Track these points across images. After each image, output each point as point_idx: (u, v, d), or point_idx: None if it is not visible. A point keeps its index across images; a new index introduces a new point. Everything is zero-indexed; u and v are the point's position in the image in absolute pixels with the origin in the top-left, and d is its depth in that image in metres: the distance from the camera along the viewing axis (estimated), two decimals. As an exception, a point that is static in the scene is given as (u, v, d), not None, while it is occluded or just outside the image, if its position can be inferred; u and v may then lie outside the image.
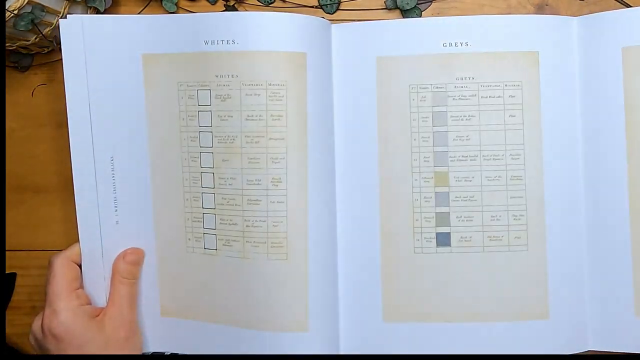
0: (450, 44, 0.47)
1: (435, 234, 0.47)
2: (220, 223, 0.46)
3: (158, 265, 0.48)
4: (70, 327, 0.42)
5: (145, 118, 0.47)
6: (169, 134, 0.47)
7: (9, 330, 0.50)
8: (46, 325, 0.43)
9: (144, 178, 0.47)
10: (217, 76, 0.45)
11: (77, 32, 0.46)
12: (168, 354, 0.48)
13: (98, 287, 0.47)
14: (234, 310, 0.46)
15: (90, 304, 0.46)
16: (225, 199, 0.46)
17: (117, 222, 0.47)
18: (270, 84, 0.45)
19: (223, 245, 0.46)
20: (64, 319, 0.43)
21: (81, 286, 0.46)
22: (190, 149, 0.47)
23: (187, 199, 0.47)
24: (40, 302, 0.47)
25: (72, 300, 0.44)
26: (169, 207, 0.47)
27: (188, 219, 0.47)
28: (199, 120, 0.46)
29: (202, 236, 0.47)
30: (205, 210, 0.47)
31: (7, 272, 0.50)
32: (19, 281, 0.51)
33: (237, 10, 0.51)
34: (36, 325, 0.44)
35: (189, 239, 0.47)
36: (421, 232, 0.47)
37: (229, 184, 0.46)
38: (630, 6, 0.50)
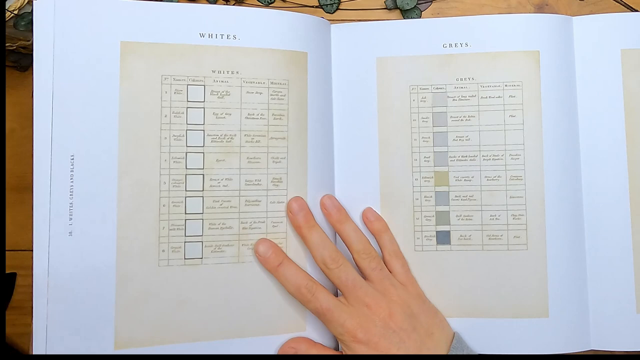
0: (450, 45, 0.47)
1: (435, 232, 0.47)
2: (210, 228, 0.44)
3: (116, 286, 0.42)
4: None
5: (116, 113, 0.43)
6: (145, 132, 0.43)
7: (9, 330, 0.50)
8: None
9: (109, 181, 0.42)
10: (214, 71, 0.44)
11: (48, 14, 0.42)
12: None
13: (40, 317, 0.41)
14: (221, 322, 0.44)
15: None
16: (218, 201, 0.44)
17: (70, 232, 0.42)
18: (272, 82, 0.44)
19: (212, 252, 0.44)
20: None
21: None
22: (172, 148, 0.43)
23: (163, 205, 0.43)
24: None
25: None
26: (137, 216, 0.43)
27: (164, 227, 0.43)
28: (188, 117, 0.44)
29: (182, 245, 0.43)
30: (189, 216, 0.44)
31: (7, 272, 0.50)
32: (19, 281, 0.51)
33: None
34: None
35: (163, 251, 0.43)
36: (421, 231, 0.47)
37: (224, 186, 0.44)
38: (630, 6, 0.50)
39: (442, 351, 0.43)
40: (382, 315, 0.42)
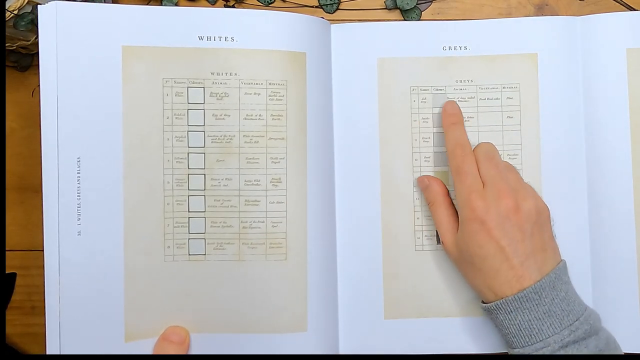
0: (450, 47, 0.47)
1: (435, 232, 0.47)
2: (212, 226, 0.45)
3: (125, 282, 0.43)
4: None
5: (120, 115, 0.43)
6: (148, 134, 0.44)
7: (9, 330, 0.50)
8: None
9: (115, 182, 0.43)
10: (212, 73, 0.45)
11: (50, 19, 0.43)
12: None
13: (53, 315, 0.43)
14: (224, 316, 0.45)
15: None
16: (219, 200, 0.45)
17: (79, 232, 0.43)
18: (270, 83, 0.45)
19: (214, 249, 0.45)
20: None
21: None
22: (175, 149, 0.44)
23: (167, 204, 0.44)
24: (40, 302, 0.47)
25: None
26: (143, 214, 0.44)
27: (168, 225, 0.44)
28: (189, 119, 0.45)
29: (186, 242, 0.44)
30: (192, 214, 0.45)
31: (7, 272, 0.50)
32: (19, 281, 0.51)
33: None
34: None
35: (168, 247, 0.44)
36: (422, 230, 0.47)
37: (224, 185, 0.45)
38: (630, 6, 0.50)
39: (545, 270, 0.41)
40: (509, 205, 0.41)
